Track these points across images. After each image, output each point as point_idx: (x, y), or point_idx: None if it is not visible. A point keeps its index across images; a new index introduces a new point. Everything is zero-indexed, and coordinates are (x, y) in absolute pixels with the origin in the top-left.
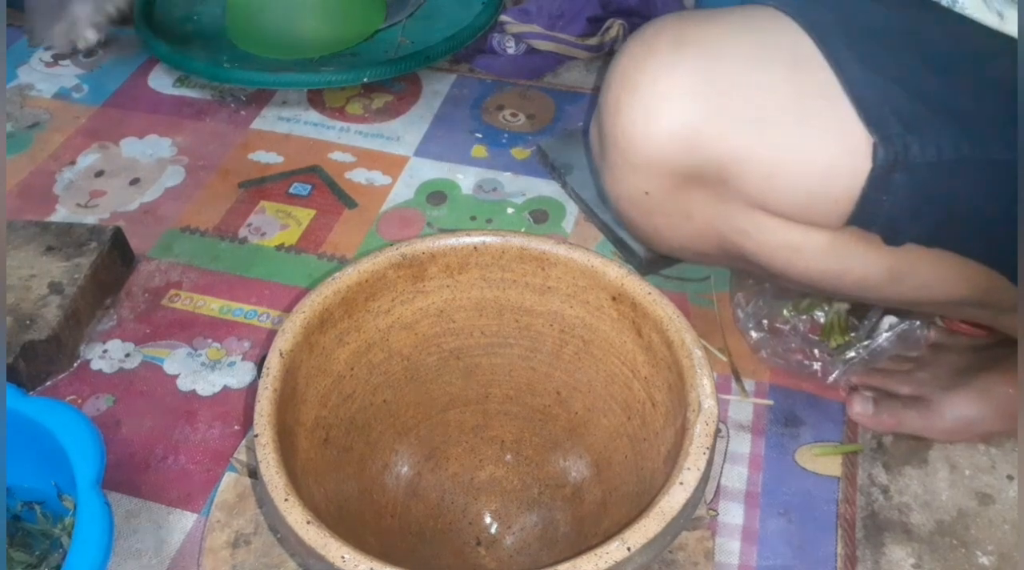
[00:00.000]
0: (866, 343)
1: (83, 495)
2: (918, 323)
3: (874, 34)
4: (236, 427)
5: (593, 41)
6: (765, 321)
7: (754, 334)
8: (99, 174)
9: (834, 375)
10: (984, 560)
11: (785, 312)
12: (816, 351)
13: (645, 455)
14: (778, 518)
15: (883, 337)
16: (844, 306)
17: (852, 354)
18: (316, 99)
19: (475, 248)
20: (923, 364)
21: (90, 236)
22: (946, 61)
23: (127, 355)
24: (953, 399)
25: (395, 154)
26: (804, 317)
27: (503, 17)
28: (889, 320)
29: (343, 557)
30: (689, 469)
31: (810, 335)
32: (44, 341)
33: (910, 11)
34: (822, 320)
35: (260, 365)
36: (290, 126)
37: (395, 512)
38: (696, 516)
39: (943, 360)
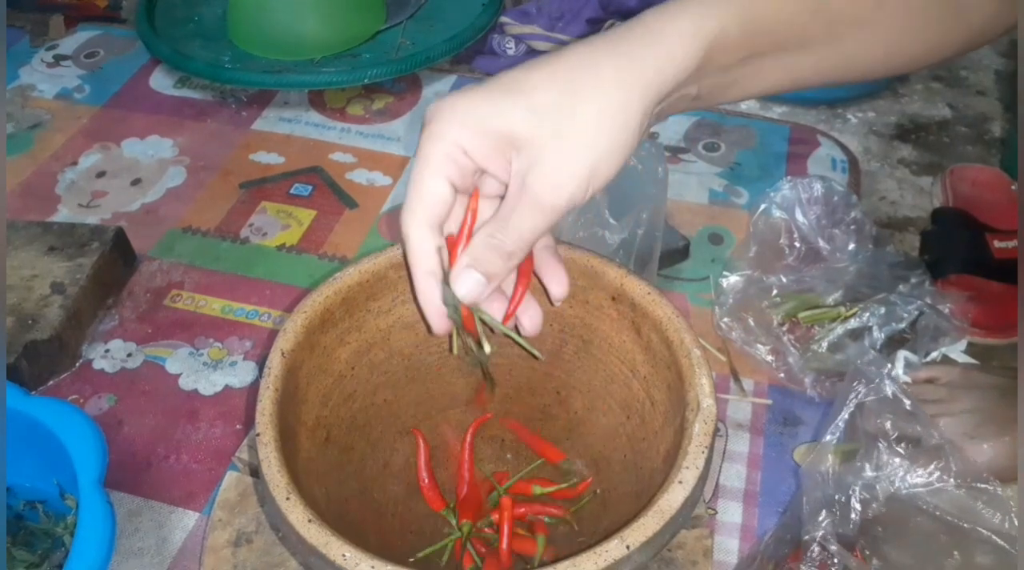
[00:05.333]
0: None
1: (85, 494)
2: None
3: None
4: (238, 426)
5: None
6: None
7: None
8: (101, 174)
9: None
10: (981, 559)
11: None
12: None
13: (644, 454)
14: (776, 517)
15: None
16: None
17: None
18: (317, 100)
19: None
20: (945, 409)
21: (92, 236)
22: None
23: (129, 355)
24: (977, 450)
25: (395, 154)
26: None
27: (503, 18)
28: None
29: (344, 555)
30: (688, 468)
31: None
32: (46, 341)
33: None
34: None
35: (262, 365)
36: (291, 127)
37: (395, 511)
38: (695, 515)
39: (966, 404)
